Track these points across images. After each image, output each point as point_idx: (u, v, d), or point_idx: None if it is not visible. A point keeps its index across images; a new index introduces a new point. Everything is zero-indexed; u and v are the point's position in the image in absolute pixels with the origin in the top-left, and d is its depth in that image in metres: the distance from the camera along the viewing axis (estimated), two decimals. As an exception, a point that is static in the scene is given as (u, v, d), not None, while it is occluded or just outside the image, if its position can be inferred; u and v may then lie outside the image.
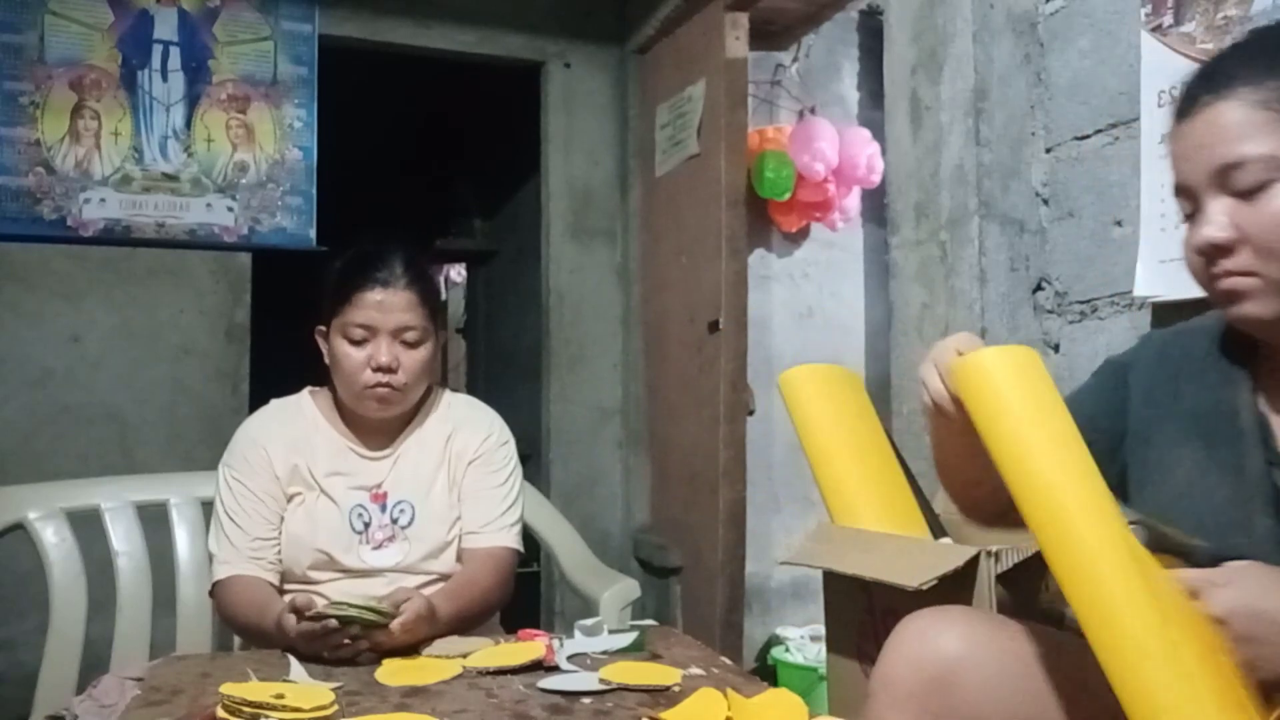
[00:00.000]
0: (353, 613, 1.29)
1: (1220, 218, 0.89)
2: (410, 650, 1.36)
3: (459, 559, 1.61)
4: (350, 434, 1.62)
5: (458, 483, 1.64)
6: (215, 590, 1.55)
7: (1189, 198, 0.94)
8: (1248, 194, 0.88)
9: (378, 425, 1.62)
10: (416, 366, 1.57)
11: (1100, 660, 0.81)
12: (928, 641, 0.94)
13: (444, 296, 4.98)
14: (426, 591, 1.47)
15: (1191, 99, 0.93)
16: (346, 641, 1.31)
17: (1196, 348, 1.04)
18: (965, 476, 1.11)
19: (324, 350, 1.60)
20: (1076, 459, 0.84)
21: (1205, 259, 0.92)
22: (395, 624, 1.32)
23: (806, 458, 1.32)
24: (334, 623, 1.29)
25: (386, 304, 1.54)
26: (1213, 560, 0.88)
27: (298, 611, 1.32)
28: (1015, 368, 0.89)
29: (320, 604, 1.34)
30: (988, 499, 1.08)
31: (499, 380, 4.71)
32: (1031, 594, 1.09)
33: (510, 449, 1.71)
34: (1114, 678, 0.80)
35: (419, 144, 5.41)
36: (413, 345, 1.56)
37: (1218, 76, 0.91)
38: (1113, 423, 1.07)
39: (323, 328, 1.60)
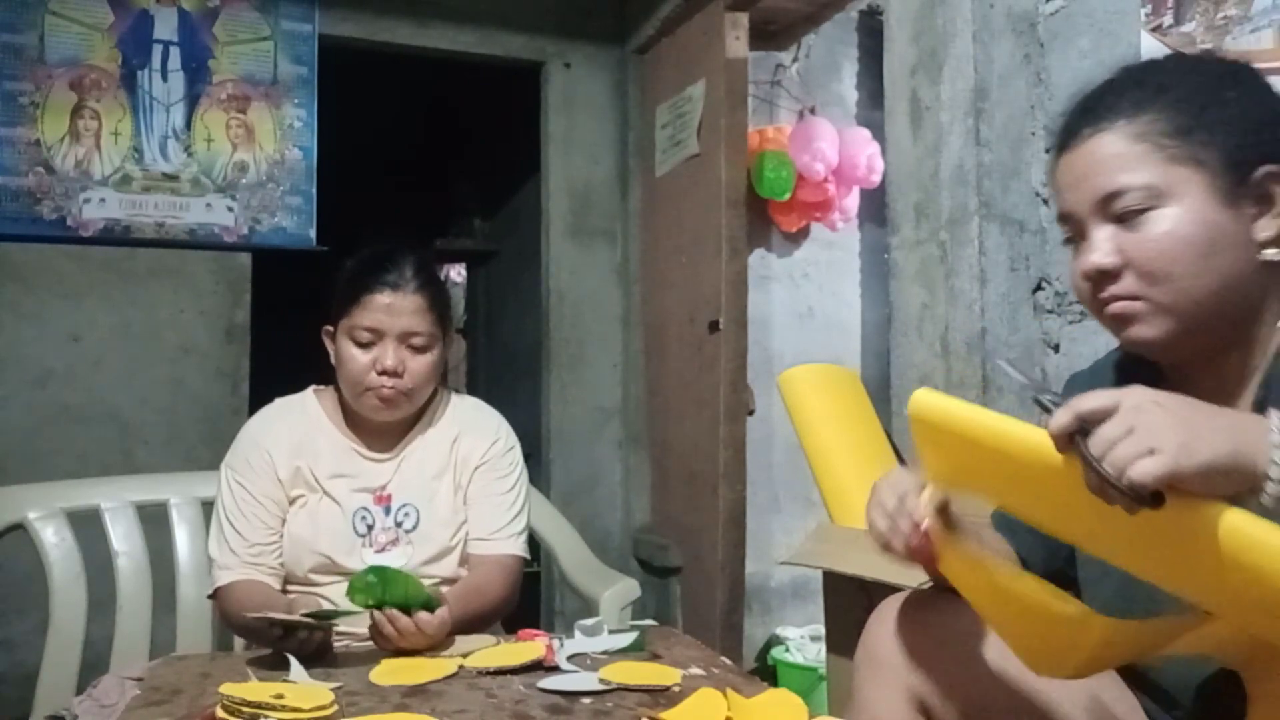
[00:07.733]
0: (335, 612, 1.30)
1: (1105, 244, 0.93)
2: (413, 650, 1.36)
3: (463, 563, 1.61)
4: (355, 435, 1.61)
5: (463, 487, 1.63)
6: (216, 595, 1.54)
7: (1073, 225, 0.97)
8: (1129, 221, 0.92)
9: (383, 427, 1.60)
10: (422, 372, 1.55)
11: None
12: (907, 617, 1.03)
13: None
14: None
15: (1072, 132, 0.97)
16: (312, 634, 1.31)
17: (1103, 382, 1.06)
18: None
19: (330, 351, 1.59)
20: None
21: (1092, 284, 0.95)
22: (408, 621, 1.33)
23: (806, 458, 1.32)
24: (311, 623, 1.29)
25: (395, 307, 1.52)
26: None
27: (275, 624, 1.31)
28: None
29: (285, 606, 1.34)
30: None
31: (499, 380, 4.72)
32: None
33: (516, 454, 1.69)
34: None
35: (419, 144, 5.41)
36: (419, 350, 1.54)
37: (1098, 110, 0.95)
38: None
39: (330, 328, 1.58)
